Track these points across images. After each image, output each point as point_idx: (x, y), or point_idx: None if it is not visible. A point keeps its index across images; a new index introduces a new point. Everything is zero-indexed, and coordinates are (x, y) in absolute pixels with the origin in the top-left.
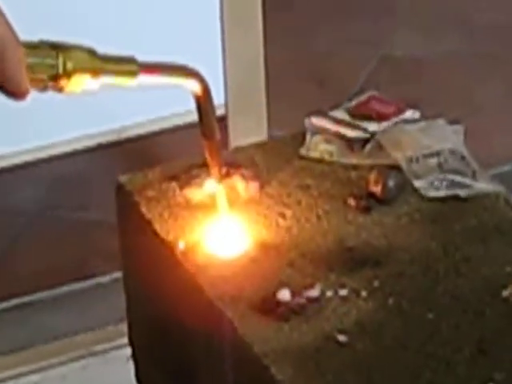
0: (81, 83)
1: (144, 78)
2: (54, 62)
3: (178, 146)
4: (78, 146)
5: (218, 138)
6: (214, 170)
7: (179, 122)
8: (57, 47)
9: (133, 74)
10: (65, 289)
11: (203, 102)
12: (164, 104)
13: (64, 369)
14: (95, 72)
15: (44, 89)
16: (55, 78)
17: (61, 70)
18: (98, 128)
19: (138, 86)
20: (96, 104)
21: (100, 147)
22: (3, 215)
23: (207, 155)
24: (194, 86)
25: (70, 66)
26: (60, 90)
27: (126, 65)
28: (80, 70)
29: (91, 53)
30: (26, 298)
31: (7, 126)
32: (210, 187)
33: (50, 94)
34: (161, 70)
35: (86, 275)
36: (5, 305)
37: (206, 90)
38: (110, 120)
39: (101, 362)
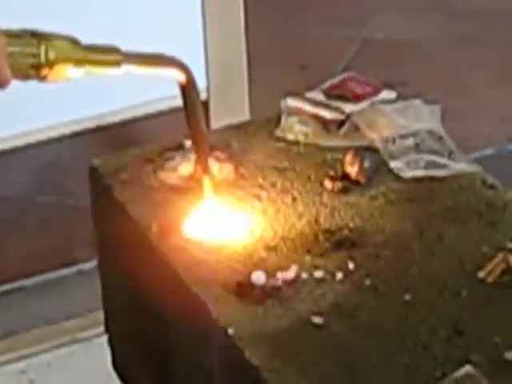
0: (63, 72)
1: (128, 68)
2: (35, 51)
3: (159, 131)
4: (59, 132)
5: (203, 127)
6: (201, 160)
7: (161, 107)
8: (39, 36)
9: (116, 63)
10: (48, 275)
11: (188, 91)
12: (143, 90)
13: (48, 356)
14: (78, 61)
15: (26, 78)
16: (37, 67)
17: (43, 59)
18: (78, 114)
19: (122, 74)
20: (76, 91)
21: (80, 133)
22: None
23: (193, 145)
24: (178, 76)
25: (52, 55)
26: (42, 79)
27: (109, 54)
28: (62, 59)
29: (74, 42)
30: (9, 285)
31: None
32: (185, 170)
33: (30, 81)
34: (145, 60)
35: (69, 262)
36: None
37: (191, 80)
38: (91, 106)
39: (85, 348)
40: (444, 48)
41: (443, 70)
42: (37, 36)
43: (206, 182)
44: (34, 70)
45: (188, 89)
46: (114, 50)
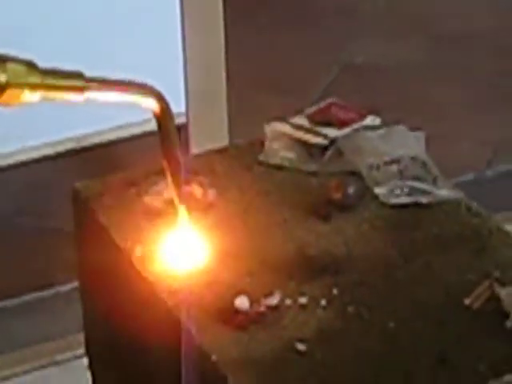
0: (16, 97)
1: (95, 94)
2: None
3: (138, 154)
4: (40, 153)
5: (178, 157)
6: (175, 190)
7: (138, 130)
8: None
9: (79, 89)
10: (27, 297)
11: (163, 121)
12: (123, 113)
13: (26, 378)
14: (33, 86)
15: None
16: None
17: None
18: (57, 136)
19: (87, 101)
20: (55, 113)
21: (60, 155)
22: None
23: (168, 175)
24: (152, 104)
25: (2, 79)
26: None
27: (71, 80)
28: (15, 83)
29: (30, 66)
30: None
31: None
32: (169, 194)
33: None
34: (115, 87)
35: (48, 284)
36: None
37: (166, 109)
38: (70, 128)
39: (62, 371)
40: (423, 73)
41: (422, 95)
42: None
43: (182, 210)
44: None
45: (162, 116)
46: (76, 75)
